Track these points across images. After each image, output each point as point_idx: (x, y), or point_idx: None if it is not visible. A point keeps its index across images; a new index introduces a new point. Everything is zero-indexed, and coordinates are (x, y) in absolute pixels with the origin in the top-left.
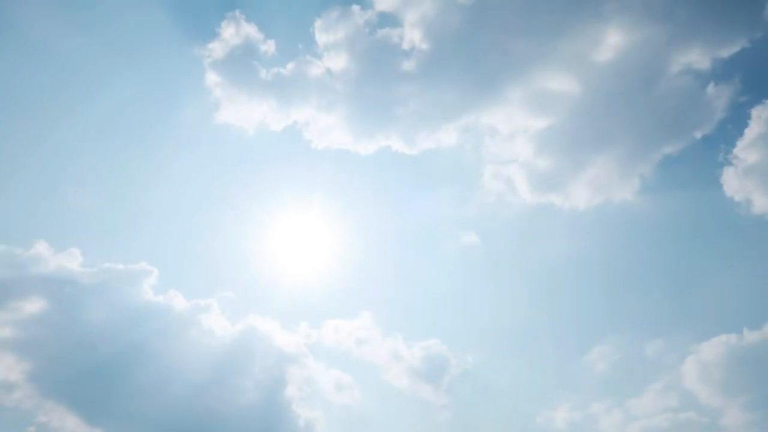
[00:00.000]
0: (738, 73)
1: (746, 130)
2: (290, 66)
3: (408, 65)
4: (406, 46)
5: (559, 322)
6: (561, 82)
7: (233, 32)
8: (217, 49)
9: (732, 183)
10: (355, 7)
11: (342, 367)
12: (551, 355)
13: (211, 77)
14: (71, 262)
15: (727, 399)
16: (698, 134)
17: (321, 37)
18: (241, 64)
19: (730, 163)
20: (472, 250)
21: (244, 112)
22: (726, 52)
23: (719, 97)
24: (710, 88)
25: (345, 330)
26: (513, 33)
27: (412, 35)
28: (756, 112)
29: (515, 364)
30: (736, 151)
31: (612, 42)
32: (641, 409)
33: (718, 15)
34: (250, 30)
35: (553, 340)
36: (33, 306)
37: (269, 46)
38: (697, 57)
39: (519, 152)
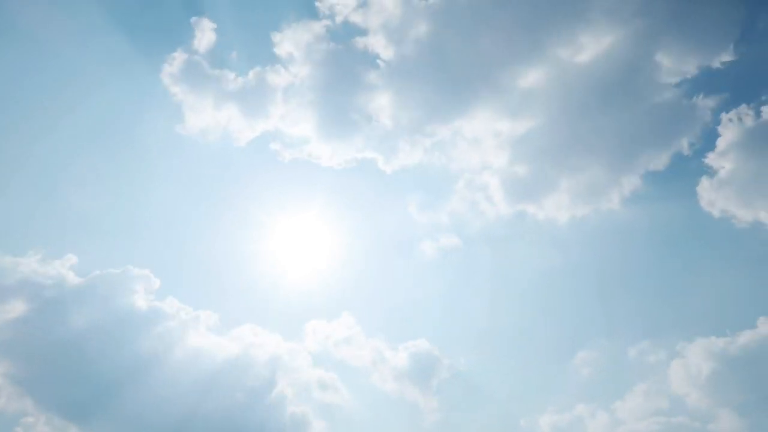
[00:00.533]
0: (725, 81)
1: (718, 140)
2: (253, 75)
3: (375, 75)
4: (373, 54)
5: (545, 326)
6: (538, 88)
7: (197, 41)
8: (179, 58)
9: (709, 191)
10: (320, 15)
11: (327, 367)
12: (537, 358)
13: (173, 87)
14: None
15: (711, 401)
16: (681, 143)
17: (284, 47)
18: (203, 74)
19: (710, 172)
20: (452, 254)
21: (209, 122)
22: (715, 61)
23: (705, 106)
24: (696, 97)
25: (328, 332)
26: (485, 38)
27: (378, 43)
28: (726, 117)
29: (499, 367)
30: (712, 159)
31: (592, 48)
32: (627, 413)
33: (707, 22)
34: (213, 39)
35: (540, 344)
36: (16, 310)
37: (232, 56)
38: (683, 65)
39: (495, 160)
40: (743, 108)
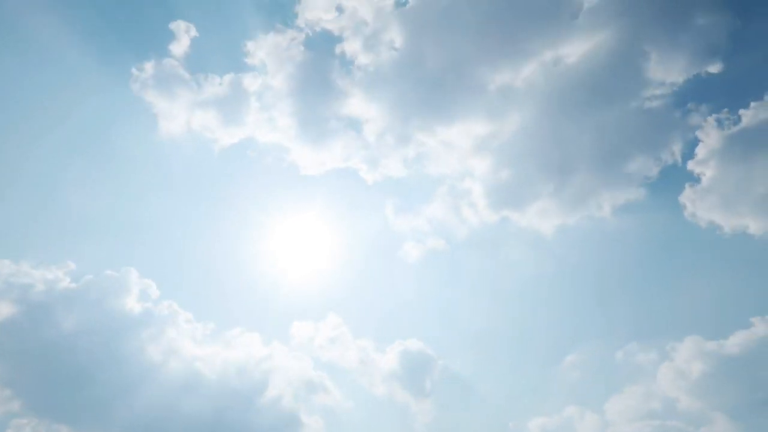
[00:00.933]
0: (711, 88)
1: (697, 147)
2: (229, 82)
3: (350, 82)
4: (349, 61)
5: (534, 329)
6: (520, 93)
7: (173, 47)
8: (154, 64)
9: (693, 198)
10: (296, 23)
11: (315, 368)
12: (526, 361)
13: (147, 92)
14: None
15: (701, 402)
16: (667, 150)
17: (260, 55)
18: (180, 80)
19: (694, 180)
20: (437, 259)
21: (187, 127)
22: (702, 68)
23: (692, 113)
24: (684, 104)
25: (315, 333)
26: (464, 42)
27: (355, 51)
28: (708, 122)
29: (487, 371)
30: (696, 167)
31: (575, 53)
32: (617, 415)
33: (694, 31)
34: (188, 45)
35: (529, 347)
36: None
37: (209, 62)
38: (670, 74)
39: (477, 168)
40: (724, 113)
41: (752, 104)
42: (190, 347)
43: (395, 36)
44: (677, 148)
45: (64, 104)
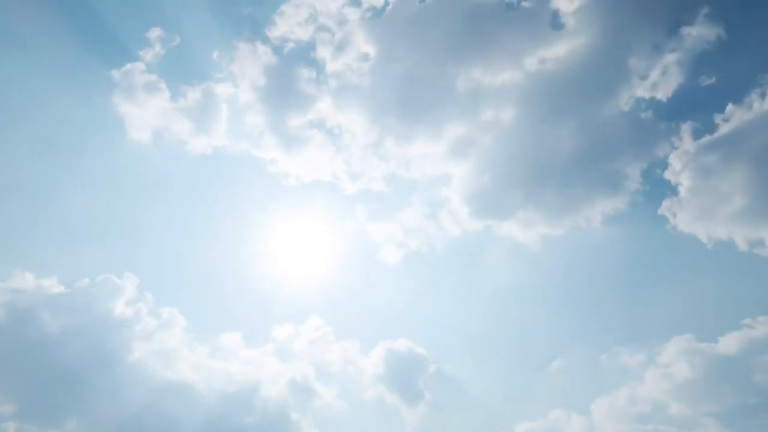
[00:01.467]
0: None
1: (671, 156)
2: (202, 91)
3: (324, 90)
4: (322, 70)
5: (521, 335)
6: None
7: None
8: (124, 72)
9: (673, 210)
10: (269, 35)
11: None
12: (512, 366)
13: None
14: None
15: (684, 405)
16: (647, 160)
17: (234, 64)
18: (151, 87)
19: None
20: (420, 265)
21: (160, 133)
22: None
23: (668, 124)
24: (662, 116)
25: (299, 335)
26: (440, 48)
27: (327, 58)
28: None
29: (475, 377)
30: (670, 176)
31: (553, 59)
32: (603, 419)
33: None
34: (162, 53)
35: (515, 352)
36: None
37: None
38: (650, 83)
39: (456, 174)
40: (699, 122)
41: (728, 112)
42: (177, 351)
43: (368, 44)
44: (657, 158)
45: (35, 109)
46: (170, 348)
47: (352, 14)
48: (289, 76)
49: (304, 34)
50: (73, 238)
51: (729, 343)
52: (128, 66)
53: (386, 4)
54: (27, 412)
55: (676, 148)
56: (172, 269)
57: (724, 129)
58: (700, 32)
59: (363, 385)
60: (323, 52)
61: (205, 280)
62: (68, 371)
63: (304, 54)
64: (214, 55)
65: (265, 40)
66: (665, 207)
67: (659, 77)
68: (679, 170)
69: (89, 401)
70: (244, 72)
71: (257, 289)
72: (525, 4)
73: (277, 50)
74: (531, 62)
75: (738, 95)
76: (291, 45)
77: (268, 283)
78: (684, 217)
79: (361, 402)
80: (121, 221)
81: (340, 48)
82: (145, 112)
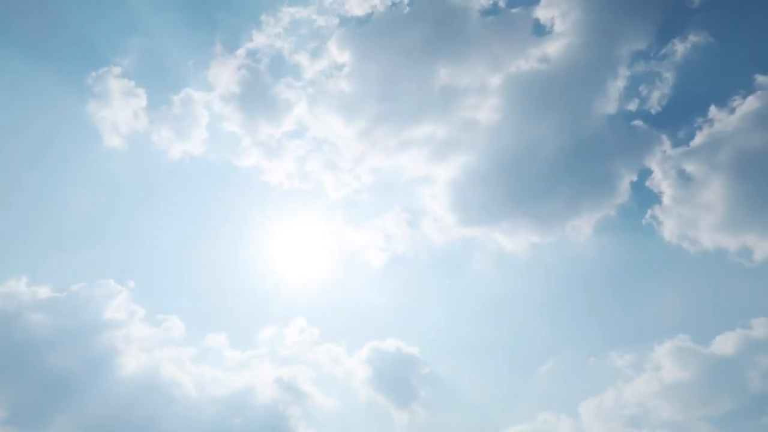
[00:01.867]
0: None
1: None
2: (180, 100)
3: (302, 96)
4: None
5: (509, 340)
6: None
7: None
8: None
9: (658, 217)
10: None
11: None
12: (500, 371)
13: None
14: None
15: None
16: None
17: (212, 72)
18: (129, 92)
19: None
20: (407, 269)
21: (139, 137)
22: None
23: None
24: (647, 123)
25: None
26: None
27: (305, 66)
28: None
29: (464, 381)
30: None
31: (533, 66)
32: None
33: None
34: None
35: (502, 357)
36: None
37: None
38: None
39: (442, 178)
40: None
41: (709, 117)
42: (164, 355)
43: (345, 51)
44: (644, 166)
45: (13, 114)
46: (157, 352)
47: (331, 21)
48: (267, 83)
49: (281, 41)
50: (53, 244)
51: (722, 345)
52: (106, 70)
53: (368, 13)
54: (17, 419)
55: (660, 155)
56: (155, 274)
57: (705, 137)
58: (684, 40)
59: (352, 387)
60: (301, 58)
61: (188, 285)
62: (58, 377)
63: (282, 60)
64: (193, 62)
65: (243, 47)
66: (649, 216)
67: (645, 85)
68: (661, 178)
69: (80, 406)
70: (220, 79)
71: (243, 292)
72: (511, 10)
73: (254, 57)
74: (515, 68)
75: (721, 102)
76: (268, 52)
77: (254, 286)
78: (668, 224)
79: (349, 403)
80: (104, 227)
81: (317, 54)
82: (121, 116)
